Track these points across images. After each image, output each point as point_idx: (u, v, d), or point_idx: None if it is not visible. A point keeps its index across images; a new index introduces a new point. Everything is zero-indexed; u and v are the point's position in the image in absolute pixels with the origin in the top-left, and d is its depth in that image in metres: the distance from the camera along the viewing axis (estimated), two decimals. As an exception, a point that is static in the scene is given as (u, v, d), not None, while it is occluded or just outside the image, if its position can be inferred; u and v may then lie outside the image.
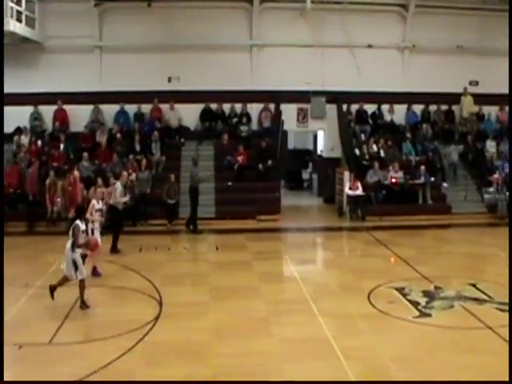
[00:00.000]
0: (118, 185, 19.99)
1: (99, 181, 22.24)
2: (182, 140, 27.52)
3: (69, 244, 13.34)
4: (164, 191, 23.56)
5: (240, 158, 26.12)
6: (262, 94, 28.17)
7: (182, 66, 27.70)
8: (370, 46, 28.51)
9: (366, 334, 12.24)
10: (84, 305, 13.42)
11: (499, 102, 29.47)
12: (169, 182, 23.62)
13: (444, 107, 29.72)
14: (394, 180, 25.58)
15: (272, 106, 28.55)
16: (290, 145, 34.15)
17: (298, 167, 34.77)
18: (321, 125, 29.54)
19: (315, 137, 33.07)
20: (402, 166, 26.36)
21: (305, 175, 35.12)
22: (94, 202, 16.97)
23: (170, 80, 28.12)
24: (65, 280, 13.56)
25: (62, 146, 26.11)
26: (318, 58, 27.64)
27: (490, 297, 14.61)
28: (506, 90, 28.31)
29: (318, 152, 32.54)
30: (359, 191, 24.92)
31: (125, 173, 21.36)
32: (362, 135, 28.09)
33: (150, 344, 11.38)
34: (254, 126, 28.75)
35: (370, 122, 28.80)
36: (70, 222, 13.84)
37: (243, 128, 28.02)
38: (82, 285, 13.40)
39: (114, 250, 19.11)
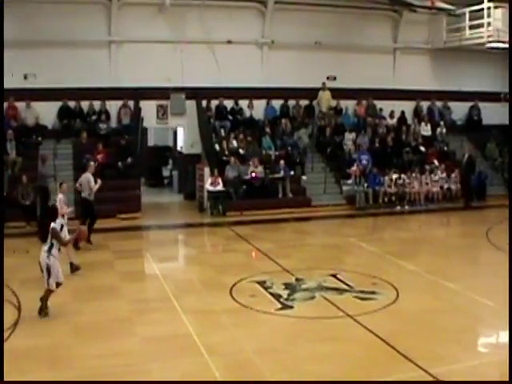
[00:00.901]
0: (89, 175, 19.84)
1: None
2: (40, 139, 26.69)
3: (45, 248, 12.98)
4: (19, 192, 22.88)
5: (99, 157, 25.60)
6: (121, 91, 27.67)
7: (39, 62, 26.68)
8: (229, 42, 28.55)
9: (229, 328, 12.27)
10: (43, 312, 12.91)
11: (356, 95, 30.33)
12: (21, 183, 22.91)
13: (303, 102, 30.18)
14: (253, 175, 25.79)
15: (131, 103, 28.13)
16: (150, 142, 33.84)
17: (158, 164, 34.48)
18: (181, 121, 29.33)
19: (175, 133, 32.91)
20: (261, 160, 26.59)
21: (165, 172, 34.84)
22: (61, 196, 16.68)
23: (25, 77, 27.11)
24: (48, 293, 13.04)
25: None
26: (178, 54, 27.44)
27: (349, 286, 15.00)
28: (362, 85, 29.32)
29: (178, 148, 32.38)
30: (220, 187, 24.97)
31: (92, 163, 20.90)
32: (222, 131, 28.14)
33: (8, 351, 10.90)
34: (114, 123, 28.17)
35: (230, 117, 28.87)
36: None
37: (102, 126, 27.46)
38: (49, 292, 12.99)
39: (89, 241, 19.21)
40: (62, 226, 14.94)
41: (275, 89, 29.05)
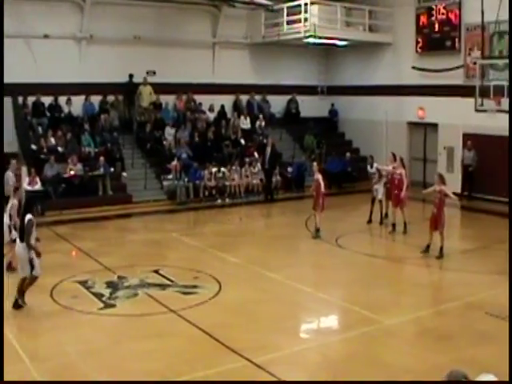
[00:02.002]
0: (10, 173, 19.68)
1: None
2: None
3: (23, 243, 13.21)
4: None
5: None
6: None
7: None
8: (46, 37, 27.71)
9: (51, 331, 11.97)
10: (22, 301, 13.14)
11: (176, 90, 30.25)
12: None
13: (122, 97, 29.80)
14: (72, 173, 25.21)
15: None
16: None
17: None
18: (-5, 119, 28.25)
19: (-10, 132, 31.63)
20: (80, 158, 26.04)
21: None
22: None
23: None
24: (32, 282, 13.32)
25: None
26: (-9, 48, 26.43)
27: (172, 281, 15.04)
28: (182, 80, 29.31)
29: (-6, 147, 31.16)
30: (38, 186, 24.19)
31: (13, 161, 20.22)
32: (40, 128, 27.30)
33: None
34: None
35: (48, 114, 28.05)
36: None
37: None
38: (31, 282, 13.24)
39: None
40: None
41: (94, 84, 28.46)
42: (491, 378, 5.05)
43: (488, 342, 11.63)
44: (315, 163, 21.53)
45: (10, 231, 15.76)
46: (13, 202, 16.21)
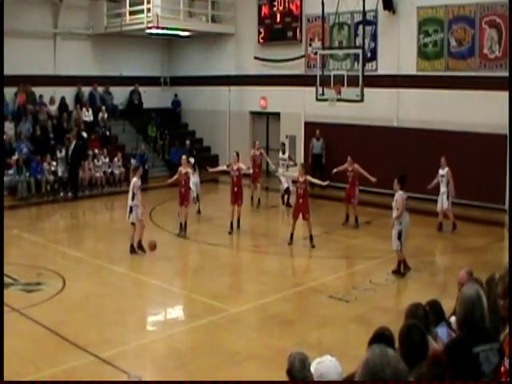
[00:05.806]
0: None
1: None
2: None
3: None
4: None
5: None
6: None
7: None
8: None
9: None
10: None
11: (16, 82, 28.91)
12: None
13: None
14: None
15: None
16: None
17: None
18: None
19: None
20: None
21: None
22: (135, 179, 16.95)
23: None
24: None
25: None
26: None
27: (14, 279, 14.59)
28: (21, 72, 28.16)
29: None
30: None
31: None
32: None
33: None
34: None
35: None
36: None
37: None
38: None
39: None
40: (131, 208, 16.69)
41: None
42: (333, 359, 5.22)
43: (331, 324, 12.09)
44: (184, 156, 20.21)
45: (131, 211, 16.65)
46: (134, 180, 16.98)
